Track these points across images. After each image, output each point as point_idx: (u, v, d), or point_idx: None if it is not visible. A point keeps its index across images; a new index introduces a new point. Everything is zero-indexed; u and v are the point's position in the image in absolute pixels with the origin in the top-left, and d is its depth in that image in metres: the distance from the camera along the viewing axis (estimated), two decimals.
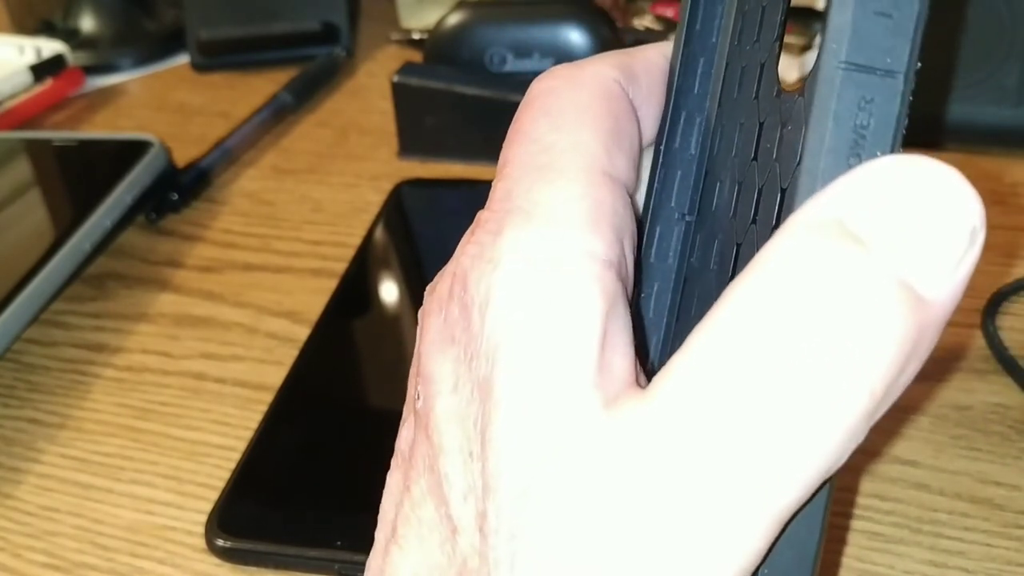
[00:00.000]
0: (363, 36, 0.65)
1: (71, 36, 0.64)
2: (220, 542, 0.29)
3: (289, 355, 0.37)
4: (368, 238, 0.43)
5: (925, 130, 0.45)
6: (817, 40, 0.16)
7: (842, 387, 0.14)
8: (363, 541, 0.28)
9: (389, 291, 0.41)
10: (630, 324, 0.17)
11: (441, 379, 0.17)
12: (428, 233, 0.45)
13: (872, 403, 0.14)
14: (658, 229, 0.21)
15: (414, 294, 0.40)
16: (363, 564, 0.28)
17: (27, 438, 0.35)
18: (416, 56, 0.57)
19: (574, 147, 0.18)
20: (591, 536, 0.14)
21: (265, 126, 0.54)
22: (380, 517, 0.19)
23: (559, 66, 0.20)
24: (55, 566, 0.30)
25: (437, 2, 0.62)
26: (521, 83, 0.48)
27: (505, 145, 0.19)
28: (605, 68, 0.20)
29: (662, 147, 0.21)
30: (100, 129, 0.57)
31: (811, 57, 0.19)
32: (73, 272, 0.41)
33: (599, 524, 0.14)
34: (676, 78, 0.21)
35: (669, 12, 0.60)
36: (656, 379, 0.15)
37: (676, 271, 0.21)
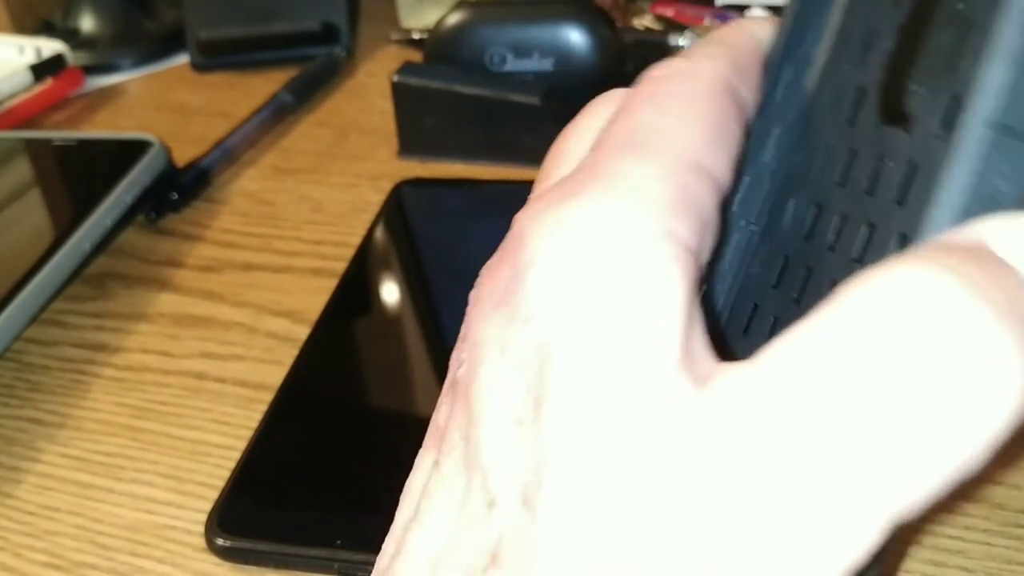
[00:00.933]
0: (363, 36, 0.65)
1: (71, 36, 0.64)
2: (220, 541, 0.29)
3: (289, 355, 0.37)
4: (368, 238, 0.43)
5: None
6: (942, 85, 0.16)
7: (1000, 396, 0.13)
8: (363, 540, 0.29)
9: (389, 291, 0.41)
10: (704, 323, 0.16)
11: (487, 342, 0.16)
12: (428, 233, 0.45)
13: (1017, 419, 0.13)
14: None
15: (414, 294, 0.40)
16: (363, 563, 0.28)
17: (27, 437, 0.35)
18: (416, 56, 0.57)
19: (676, 133, 0.17)
20: (676, 526, 0.13)
21: (265, 126, 0.54)
22: (402, 497, 0.18)
23: (673, 59, 0.19)
24: (55, 565, 0.30)
25: (437, 2, 0.62)
26: (521, 83, 0.48)
27: (608, 123, 0.18)
28: (720, 64, 0.19)
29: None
30: (100, 129, 0.57)
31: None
32: (73, 271, 0.41)
33: (687, 511, 0.13)
34: (764, 82, 0.20)
35: (669, 12, 0.60)
36: (767, 347, 0.14)
37: (733, 277, 0.20)
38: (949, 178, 0.14)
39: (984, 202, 0.14)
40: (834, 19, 0.20)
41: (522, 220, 0.16)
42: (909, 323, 0.13)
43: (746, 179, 0.20)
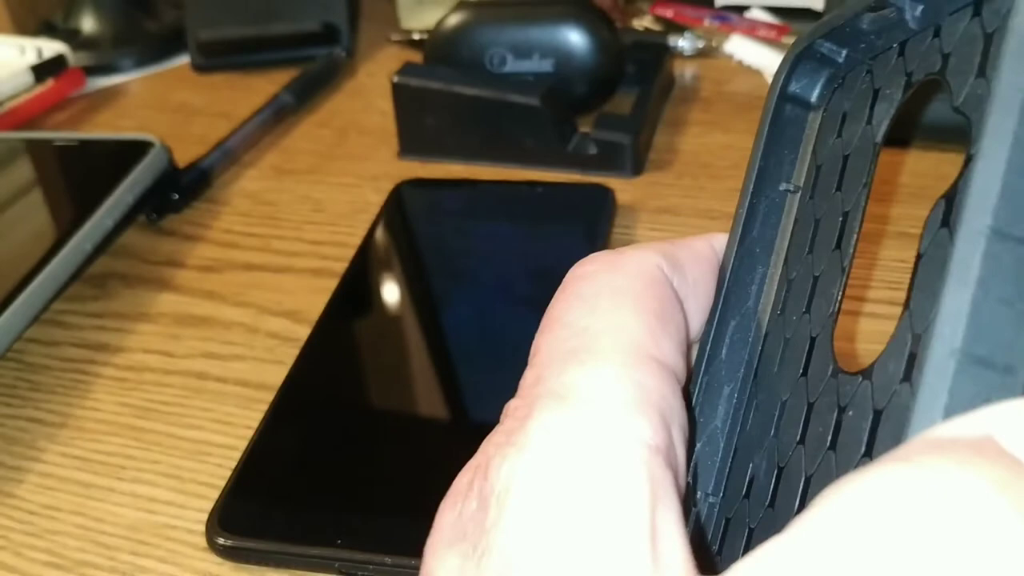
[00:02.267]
0: (363, 37, 0.66)
1: (72, 37, 0.64)
2: (221, 540, 0.29)
3: (290, 354, 0.37)
4: (368, 238, 0.43)
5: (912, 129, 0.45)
6: (903, 319, 0.15)
7: None
8: (364, 540, 0.29)
9: (389, 291, 0.41)
10: (682, 519, 0.14)
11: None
12: (428, 233, 0.45)
13: None
14: None
15: (414, 294, 0.40)
16: (364, 563, 0.28)
17: (28, 437, 0.35)
18: (416, 57, 0.57)
19: (613, 329, 0.16)
20: None
21: (266, 126, 0.54)
22: None
23: (598, 253, 0.18)
24: (56, 565, 0.30)
25: (437, 3, 0.62)
26: (521, 83, 0.49)
27: (537, 334, 0.17)
28: (647, 253, 0.18)
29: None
30: (101, 129, 0.57)
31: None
32: (74, 272, 0.41)
33: None
34: (707, 346, 0.19)
35: (669, 13, 0.60)
36: (738, 561, 0.12)
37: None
38: (920, 412, 0.13)
39: None
40: (776, 269, 0.20)
41: (488, 451, 0.15)
42: (914, 519, 0.11)
43: (698, 445, 0.19)
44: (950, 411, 0.13)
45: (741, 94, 0.54)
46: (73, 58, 0.61)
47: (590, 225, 0.43)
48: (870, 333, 0.35)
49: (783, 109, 0.20)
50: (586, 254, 0.20)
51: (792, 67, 0.20)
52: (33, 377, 0.38)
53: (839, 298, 0.18)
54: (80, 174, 0.48)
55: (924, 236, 0.15)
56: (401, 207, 0.46)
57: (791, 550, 0.12)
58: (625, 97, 0.51)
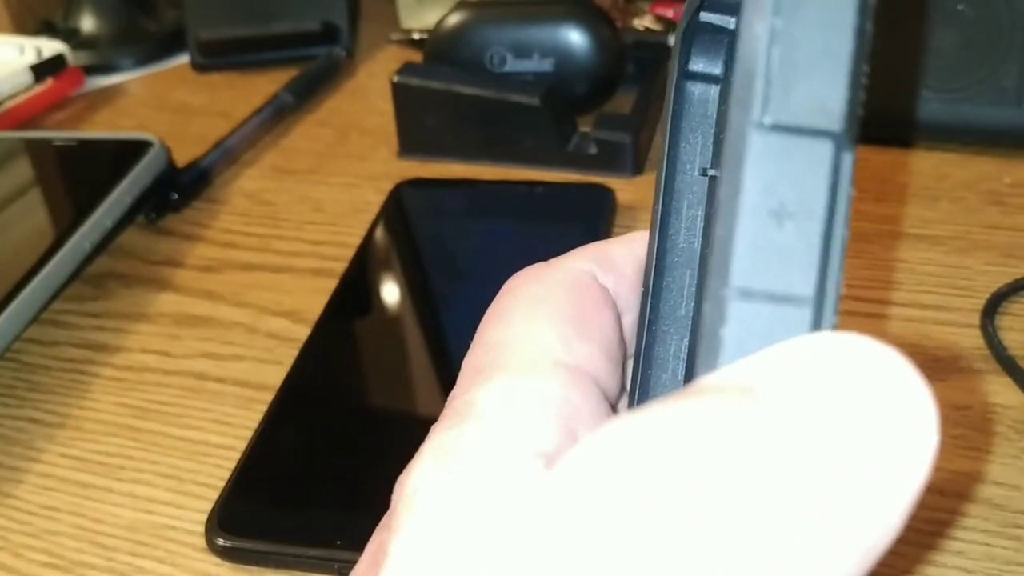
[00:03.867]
0: (363, 36, 0.65)
1: (71, 36, 0.64)
2: (220, 541, 0.29)
3: (289, 355, 0.37)
4: (368, 238, 0.43)
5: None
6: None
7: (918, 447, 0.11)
8: (363, 541, 0.29)
9: (389, 291, 0.41)
10: None
11: None
12: (428, 233, 0.45)
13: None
14: None
15: (414, 294, 0.40)
16: None
17: (27, 437, 0.35)
18: (416, 56, 0.57)
19: (521, 340, 0.16)
20: None
21: (265, 126, 0.54)
22: None
23: (531, 265, 0.19)
24: (55, 565, 0.30)
25: (437, 2, 0.62)
26: (521, 83, 0.48)
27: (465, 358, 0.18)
28: (575, 260, 0.18)
29: None
30: (100, 129, 0.57)
31: None
32: (73, 272, 0.41)
33: None
34: (639, 359, 0.19)
35: (669, 12, 0.60)
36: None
37: None
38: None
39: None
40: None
41: (401, 478, 0.16)
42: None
43: None
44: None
45: None
46: (72, 57, 0.61)
47: (590, 225, 0.43)
48: (870, 333, 0.35)
49: (686, 89, 0.19)
50: None
51: (687, 44, 0.19)
52: (32, 377, 0.38)
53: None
54: (79, 174, 0.48)
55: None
56: (401, 207, 0.46)
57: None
58: (625, 97, 0.51)
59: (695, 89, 0.20)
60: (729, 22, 0.19)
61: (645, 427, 0.11)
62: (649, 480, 0.11)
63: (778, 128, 0.12)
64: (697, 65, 0.19)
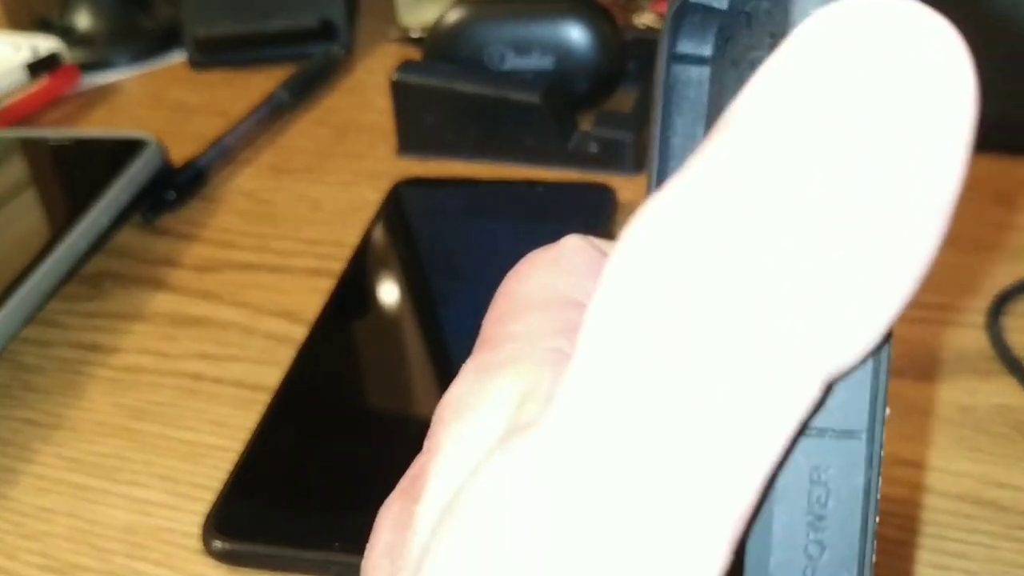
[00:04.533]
0: (361, 34, 0.65)
1: (67, 34, 0.63)
2: (217, 544, 0.29)
3: (287, 355, 0.37)
4: (366, 237, 0.43)
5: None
6: None
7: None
8: (361, 543, 0.28)
9: (387, 291, 0.41)
10: None
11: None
12: (427, 232, 0.44)
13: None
14: None
15: (413, 294, 0.40)
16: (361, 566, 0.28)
17: (22, 438, 0.35)
18: (415, 54, 0.57)
19: (540, 291, 0.18)
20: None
21: (262, 124, 0.54)
22: None
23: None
24: (50, 567, 0.30)
25: None
26: (521, 81, 0.48)
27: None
28: (575, 236, 0.20)
29: None
30: (96, 127, 0.57)
31: None
32: (69, 271, 0.41)
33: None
34: None
35: None
36: None
37: None
38: None
39: None
40: None
41: (442, 399, 0.17)
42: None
43: None
44: None
45: None
46: (68, 55, 0.61)
47: (591, 224, 0.42)
48: None
49: (677, 72, 0.19)
50: None
51: (675, 25, 0.19)
52: (27, 377, 0.38)
53: None
54: (75, 172, 0.48)
55: None
56: (400, 206, 0.45)
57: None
58: (626, 94, 0.51)
59: (684, 71, 0.20)
60: (721, 1, 0.19)
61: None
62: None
63: None
64: (686, 47, 0.19)
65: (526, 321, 0.17)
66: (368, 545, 0.17)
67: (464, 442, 0.14)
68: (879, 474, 0.12)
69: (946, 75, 0.11)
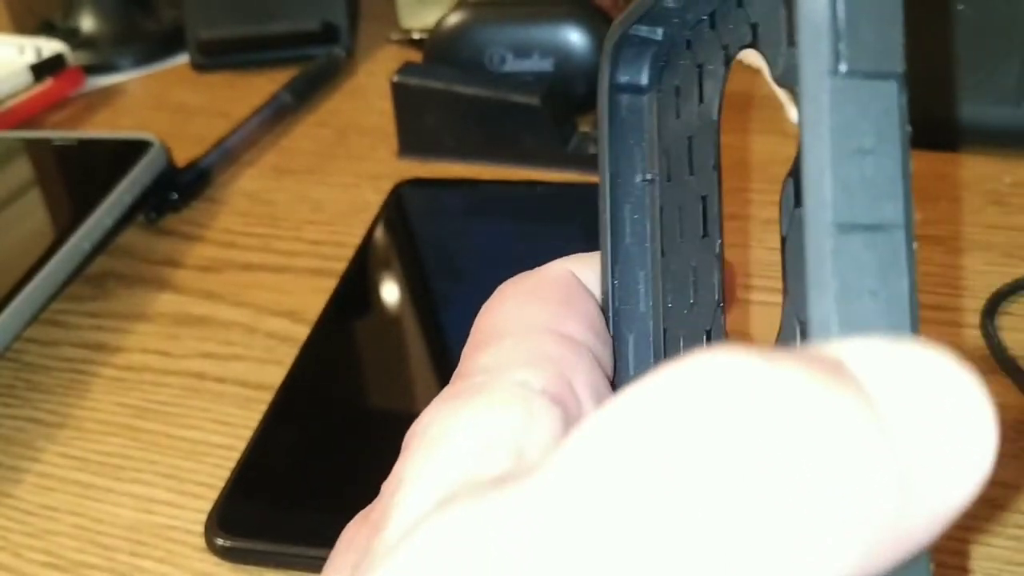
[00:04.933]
0: (363, 36, 0.65)
1: (71, 36, 0.64)
2: (220, 541, 0.29)
3: (289, 355, 0.37)
4: (368, 238, 0.43)
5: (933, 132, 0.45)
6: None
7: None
8: None
9: (389, 291, 0.41)
10: None
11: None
12: (428, 233, 0.45)
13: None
14: None
15: (413, 294, 0.40)
16: None
17: (27, 437, 0.35)
18: (416, 56, 0.57)
19: (515, 319, 0.18)
20: None
21: (265, 126, 0.54)
22: None
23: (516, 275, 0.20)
24: (55, 565, 0.30)
25: (437, 2, 0.62)
26: (521, 83, 0.48)
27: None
28: (557, 263, 0.20)
29: None
30: (100, 129, 0.57)
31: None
32: (73, 271, 0.41)
33: None
34: (617, 361, 0.20)
35: None
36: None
37: None
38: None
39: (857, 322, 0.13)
40: (656, 263, 0.20)
41: (411, 427, 0.17)
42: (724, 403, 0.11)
43: None
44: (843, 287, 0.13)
45: (739, 93, 0.54)
46: (72, 57, 0.61)
47: (590, 225, 0.42)
48: None
49: (618, 101, 0.20)
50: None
51: (614, 57, 0.20)
52: (31, 377, 0.38)
53: (721, 288, 0.18)
54: (79, 173, 0.48)
55: (783, 218, 0.15)
56: (401, 207, 0.46)
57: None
58: None
59: (625, 100, 0.21)
60: (656, 32, 0.20)
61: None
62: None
63: (852, 74, 0.13)
64: (624, 77, 0.20)
65: (495, 352, 0.17)
66: (326, 564, 0.18)
67: (426, 480, 0.15)
68: None
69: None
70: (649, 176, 0.20)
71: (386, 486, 0.16)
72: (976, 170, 0.44)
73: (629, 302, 0.20)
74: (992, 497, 0.29)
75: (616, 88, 0.20)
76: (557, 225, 0.44)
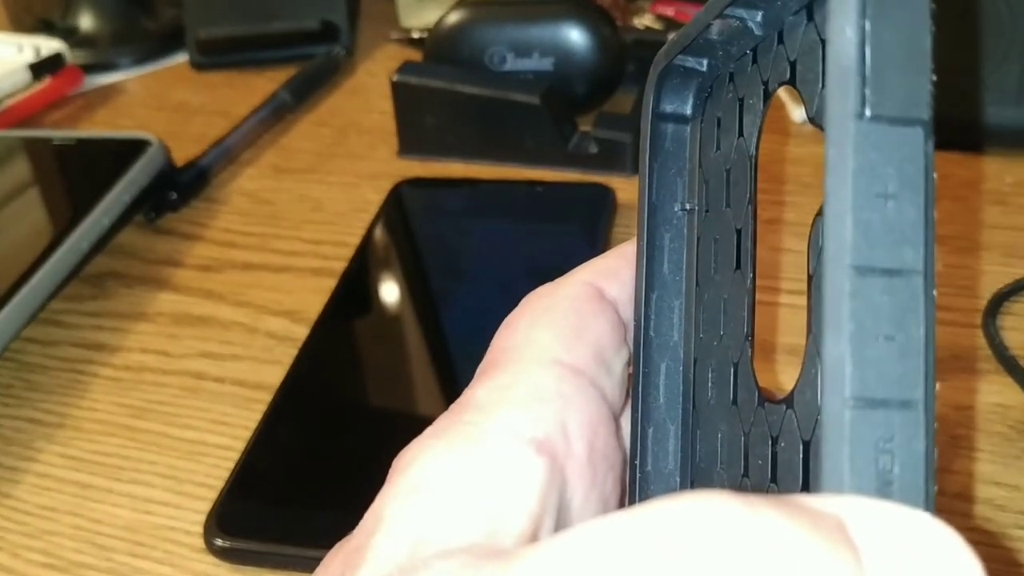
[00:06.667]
0: (363, 35, 0.65)
1: (70, 34, 0.64)
2: (219, 542, 0.29)
3: (288, 354, 0.37)
4: (367, 237, 0.43)
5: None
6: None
7: None
8: None
9: (388, 291, 0.41)
10: (554, 502, 0.16)
11: None
12: (428, 232, 0.45)
13: None
14: None
15: (413, 294, 0.40)
16: None
17: (26, 437, 0.35)
18: (416, 55, 0.57)
19: (523, 344, 0.18)
20: None
21: (264, 125, 0.54)
22: None
23: (543, 285, 0.20)
24: (53, 566, 0.30)
25: (437, 1, 0.62)
26: (522, 82, 0.48)
27: None
28: (580, 274, 0.20)
29: (636, 462, 0.20)
30: (99, 128, 0.57)
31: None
32: (72, 271, 0.41)
33: None
34: (638, 386, 0.20)
35: (670, 11, 0.60)
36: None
37: None
38: (828, 468, 0.12)
39: (874, 486, 0.12)
40: (690, 293, 0.20)
41: (400, 454, 0.17)
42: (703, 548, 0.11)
43: (652, 487, 0.20)
44: (854, 461, 0.12)
45: None
46: (71, 56, 0.61)
47: (590, 225, 0.42)
48: None
49: (661, 129, 0.21)
50: (586, 254, 0.21)
51: (659, 87, 0.20)
52: (30, 377, 0.38)
53: (751, 321, 0.18)
54: (77, 173, 0.48)
55: (811, 256, 0.15)
56: (400, 206, 0.46)
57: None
58: (626, 96, 0.51)
59: (668, 129, 0.21)
60: (701, 64, 0.20)
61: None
62: None
63: (877, 119, 0.13)
64: (668, 107, 0.21)
65: (494, 387, 0.17)
66: None
67: (401, 527, 0.15)
68: (934, 443, 0.13)
69: None
70: (688, 206, 0.20)
71: (366, 518, 0.16)
72: (977, 170, 0.44)
73: (663, 330, 0.20)
74: (993, 497, 0.29)
75: (660, 116, 0.21)
76: (557, 225, 0.44)
